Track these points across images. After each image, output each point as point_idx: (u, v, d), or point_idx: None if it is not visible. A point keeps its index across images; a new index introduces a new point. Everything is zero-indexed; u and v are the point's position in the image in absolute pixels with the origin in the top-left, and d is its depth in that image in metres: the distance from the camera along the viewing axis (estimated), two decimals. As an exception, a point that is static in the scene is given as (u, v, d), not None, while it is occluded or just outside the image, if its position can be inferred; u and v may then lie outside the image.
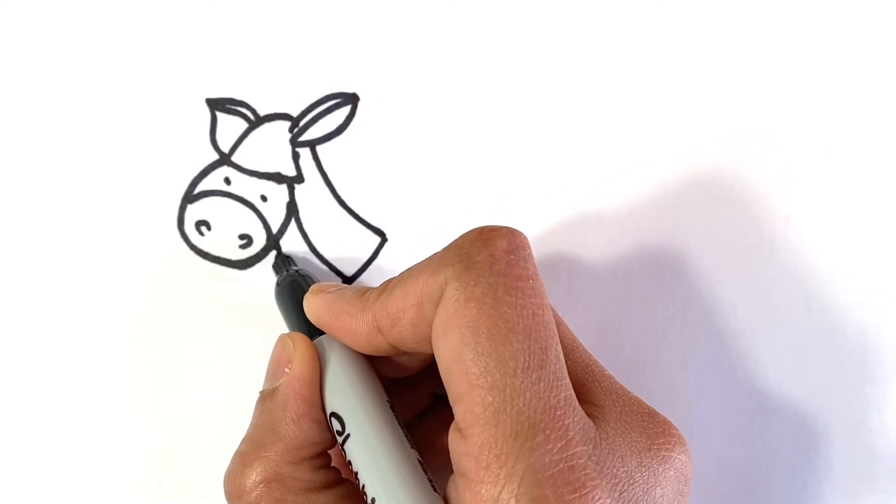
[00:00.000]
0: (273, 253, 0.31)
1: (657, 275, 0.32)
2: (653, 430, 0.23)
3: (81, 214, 0.31)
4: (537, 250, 0.32)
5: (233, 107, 0.31)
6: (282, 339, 0.26)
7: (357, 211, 0.32)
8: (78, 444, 0.31)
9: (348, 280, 0.32)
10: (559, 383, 0.21)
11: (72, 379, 0.31)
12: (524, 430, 0.20)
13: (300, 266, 0.31)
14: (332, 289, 0.26)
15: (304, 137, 0.32)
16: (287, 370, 0.25)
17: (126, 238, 0.31)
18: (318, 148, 0.32)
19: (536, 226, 0.32)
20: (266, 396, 0.25)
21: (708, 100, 0.32)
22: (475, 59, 0.32)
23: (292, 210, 0.32)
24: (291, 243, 0.32)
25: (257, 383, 0.31)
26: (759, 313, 0.32)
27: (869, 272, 0.32)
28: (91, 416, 0.31)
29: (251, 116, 0.31)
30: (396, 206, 0.32)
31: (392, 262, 0.32)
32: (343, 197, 0.32)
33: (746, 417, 0.32)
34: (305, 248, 0.32)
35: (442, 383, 0.22)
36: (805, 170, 0.32)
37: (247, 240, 0.32)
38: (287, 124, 0.32)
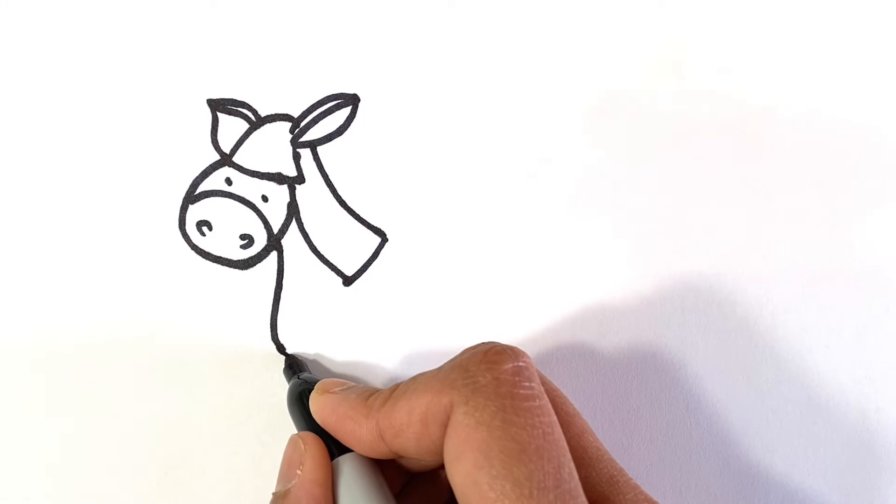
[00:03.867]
0: (284, 358, 0.31)
1: (656, 274, 0.32)
2: None
3: (83, 215, 0.31)
4: (536, 250, 0.32)
5: (234, 107, 0.31)
6: (292, 440, 0.26)
7: (357, 211, 0.32)
8: (76, 443, 0.31)
9: (349, 280, 0.32)
10: (575, 501, 0.21)
11: (72, 378, 0.31)
12: None
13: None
14: (337, 388, 0.27)
15: (304, 138, 0.32)
16: (298, 472, 0.25)
17: (127, 238, 0.31)
18: (319, 148, 0.32)
19: (535, 225, 0.32)
20: (279, 498, 0.25)
21: (709, 97, 0.32)
22: (475, 60, 0.32)
23: (293, 210, 0.32)
24: (292, 243, 0.32)
25: (258, 383, 0.31)
26: (759, 313, 0.32)
27: (868, 272, 0.32)
28: (90, 415, 0.31)
29: (252, 117, 0.32)
30: (396, 206, 0.32)
31: (392, 262, 0.32)
32: (344, 197, 0.32)
33: (745, 417, 0.32)
34: (306, 247, 0.32)
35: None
36: (805, 169, 0.32)
37: (248, 240, 0.32)
38: (288, 125, 0.32)
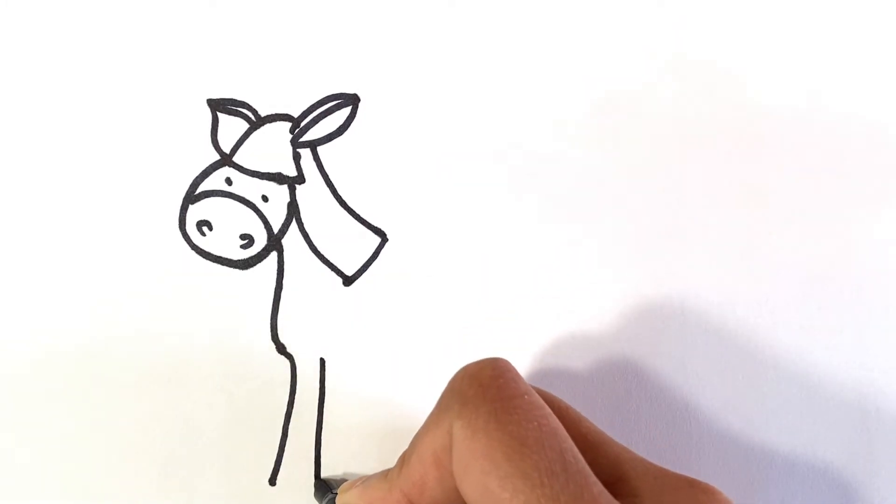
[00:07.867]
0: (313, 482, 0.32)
1: (656, 274, 0.32)
2: (698, 502, 0.23)
3: (83, 215, 0.31)
4: (532, 253, 0.32)
5: (234, 107, 0.32)
6: None
7: (357, 211, 0.32)
8: (76, 443, 0.31)
9: (349, 280, 0.32)
10: (587, 480, 0.21)
11: (72, 378, 0.31)
12: None
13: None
14: (358, 482, 0.27)
15: (305, 138, 0.32)
16: None
17: (128, 238, 0.31)
18: (319, 148, 0.32)
19: (535, 225, 0.32)
20: None
21: (709, 97, 0.32)
22: (475, 60, 0.32)
23: (293, 210, 0.32)
24: (292, 243, 0.32)
25: (258, 383, 0.31)
26: (759, 313, 0.32)
27: (868, 272, 0.32)
28: (90, 415, 0.31)
29: (252, 117, 0.32)
30: (396, 206, 0.32)
31: (392, 262, 0.32)
32: (344, 197, 0.32)
33: (745, 417, 0.32)
34: (306, 247, 0.32)
35: None
36: (805, 169, 0.32)
37: (248, 240, 0.32)
38: (288, 125, 0.32)
